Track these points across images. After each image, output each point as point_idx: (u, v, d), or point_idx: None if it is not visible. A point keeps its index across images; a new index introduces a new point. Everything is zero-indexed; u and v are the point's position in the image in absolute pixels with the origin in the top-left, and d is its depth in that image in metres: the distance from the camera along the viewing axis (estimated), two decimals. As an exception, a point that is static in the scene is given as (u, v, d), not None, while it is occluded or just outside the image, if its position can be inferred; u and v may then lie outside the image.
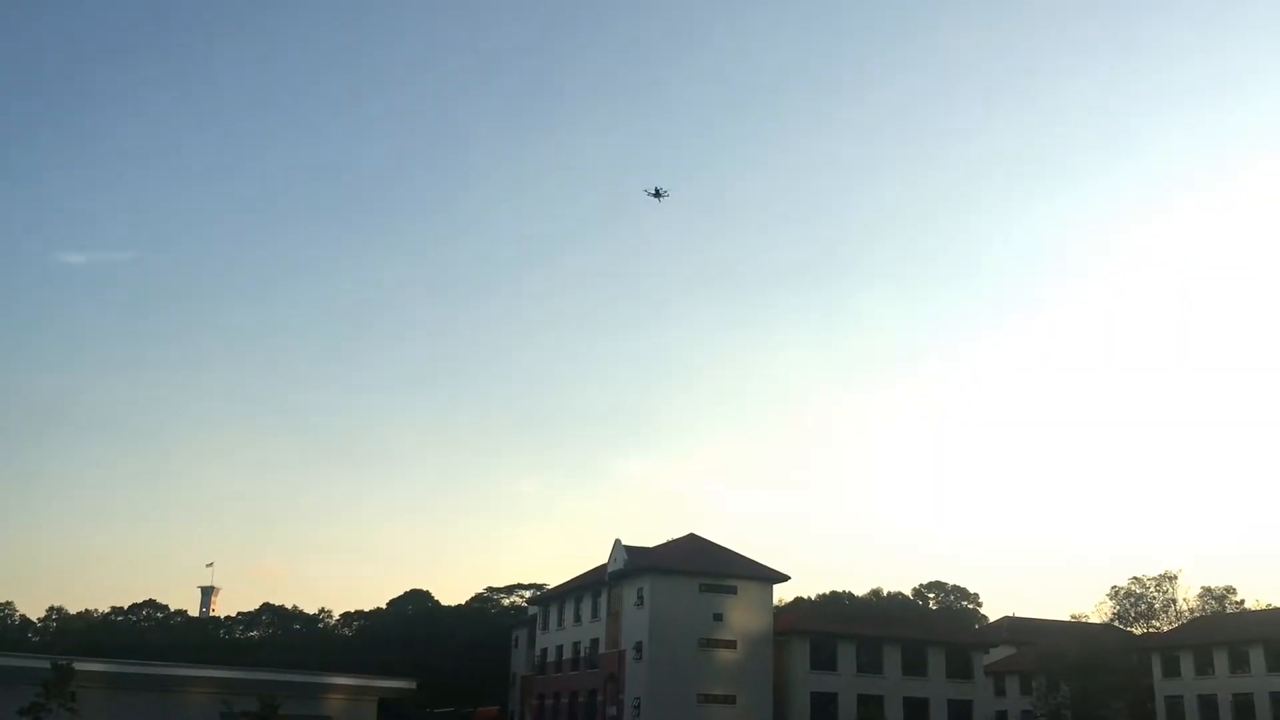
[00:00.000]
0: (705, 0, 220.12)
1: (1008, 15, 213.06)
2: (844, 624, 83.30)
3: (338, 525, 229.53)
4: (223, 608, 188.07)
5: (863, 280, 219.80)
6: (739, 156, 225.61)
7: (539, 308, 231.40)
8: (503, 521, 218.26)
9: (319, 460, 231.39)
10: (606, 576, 77.33)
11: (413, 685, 37.99)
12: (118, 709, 29.19)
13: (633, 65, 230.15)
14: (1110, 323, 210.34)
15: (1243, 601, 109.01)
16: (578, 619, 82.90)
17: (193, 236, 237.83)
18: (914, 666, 77.96)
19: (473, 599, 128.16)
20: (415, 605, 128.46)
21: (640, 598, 72.97)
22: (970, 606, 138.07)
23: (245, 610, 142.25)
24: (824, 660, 75.81)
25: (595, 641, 78.82)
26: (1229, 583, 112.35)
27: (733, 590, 74.23)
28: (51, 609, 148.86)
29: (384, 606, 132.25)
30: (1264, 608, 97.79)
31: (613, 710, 73.68)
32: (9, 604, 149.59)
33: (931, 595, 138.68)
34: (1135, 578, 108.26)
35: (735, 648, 72.95)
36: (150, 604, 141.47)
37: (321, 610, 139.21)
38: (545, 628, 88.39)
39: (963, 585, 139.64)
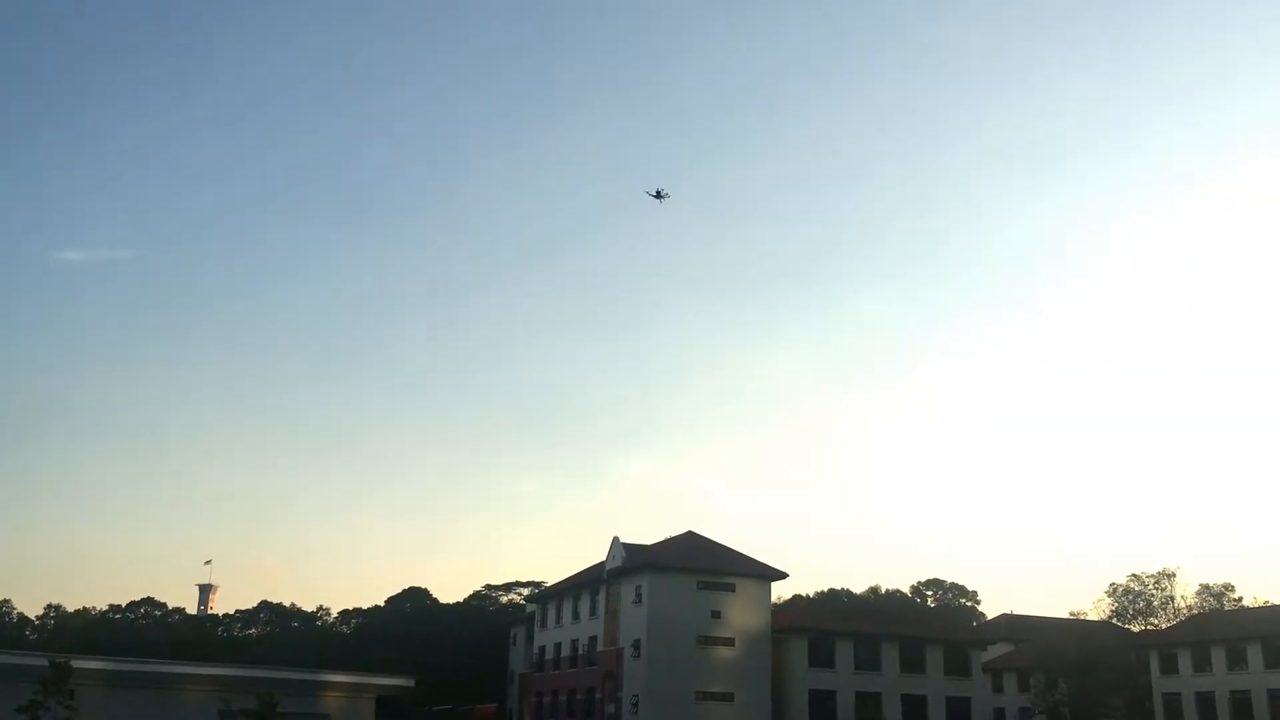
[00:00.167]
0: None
1: (1006, 12, 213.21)
2: (842, 621, 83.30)
3: (336, 523, 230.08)
4: (221, 605, 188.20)
5: (861, 279, 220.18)
6: (738, 154, 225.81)
7: (537, 306, 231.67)
8: (501, 520, 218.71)
9: (317, 458, 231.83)
10: (605, 574, 77.28)
11: (411, 683, 38.02)
12: (116, 706, 29.19)
13: (630, 63, 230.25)
14: (1108, 320, 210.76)
15: (1241, 599, 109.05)
16: (576, 616, 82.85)
17: (191, 235, 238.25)
18: (912, 664, 77.95)
19: (471, 597, 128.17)
20: (413, 603, 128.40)
21: (638, 595, 72.95)
22: (968, 604, 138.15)
23: (243, 608, 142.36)
24: (822, 658, 75.78)
25: (593, 639, 78.79)
26: (1227, 580, 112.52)
27: (731, 588, 74.20)
28: (49, 607, 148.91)
29: (382, 604, 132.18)
30: (1262, 605, 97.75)
31: (611, 708, 73.69)
32: (7, 602, 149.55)
33: (929, 593, 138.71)
34: (1133, 575, 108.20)
35: (733, 645, 72.94)
36: (148, 602, 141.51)
37: (320, 608, 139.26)
38: (543, 625, 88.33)
39: (961, 583, 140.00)
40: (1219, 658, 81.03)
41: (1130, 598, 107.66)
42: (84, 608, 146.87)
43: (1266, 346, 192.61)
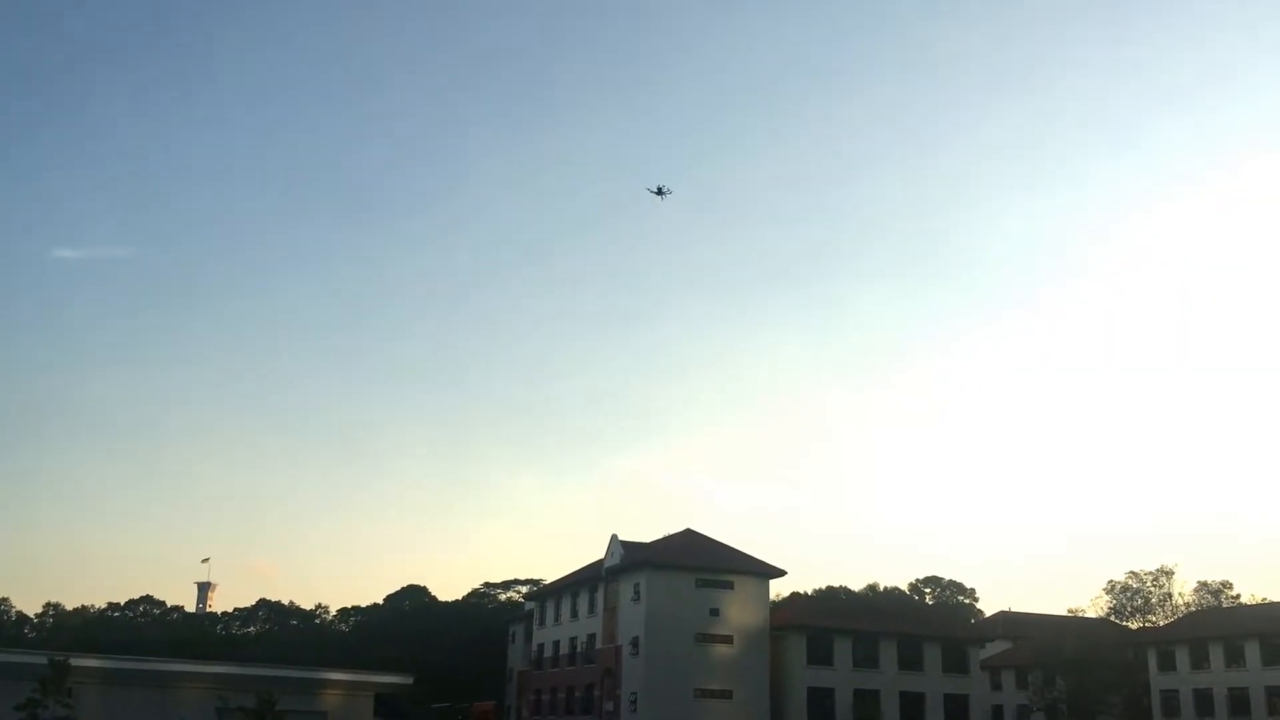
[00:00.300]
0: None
1: (1006, 12, 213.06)
2: (840, 619, 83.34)
3: (334, 521, 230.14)
4: (219, 604, 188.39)
5: (861, 278, 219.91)
6: (736, 152, 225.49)
7: (535, 303, 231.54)
8: (500, 517, 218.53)
9: (315, 456, 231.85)
10: (603, 572, 77.33)
11: (410, 681, 37.93)
12: (114, 705, 29.18)
13: (631, 61, 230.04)
14: (1108, 320, 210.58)
15: (1239, 596, 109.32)
16: (574, 614, 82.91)
17: (191, 234, 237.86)
18: (910, 661, 78.01)
19: (470, 594, 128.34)
20: (412, 601, 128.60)
21: (637, 593, 73.01)
22: (966, 601, 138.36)
23: (242, 606, 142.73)
24: (820, 655, 75.85)
25: (592, 637, 78.85)
26: (1225, 578, 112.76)
27: (729, 585, 74.27)
28: (48, 605, 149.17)
29: (381, 602, 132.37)
30: (1259, 602, 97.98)
31: (609, 705, 73.74)
32: (5, 600, 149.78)
33: (928, 590, 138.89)
34: (1132, 572, 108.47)
35: (732, 643, 72.99)
36: (147, 600, 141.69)
37: (318, 606, 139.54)
38: (542, 623, 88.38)
39: (959, 580, 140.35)
40: (1217, 655, 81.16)
41: (1128, 595, 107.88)
42: (83, 606, 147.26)
43: (1266, 346, 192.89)
